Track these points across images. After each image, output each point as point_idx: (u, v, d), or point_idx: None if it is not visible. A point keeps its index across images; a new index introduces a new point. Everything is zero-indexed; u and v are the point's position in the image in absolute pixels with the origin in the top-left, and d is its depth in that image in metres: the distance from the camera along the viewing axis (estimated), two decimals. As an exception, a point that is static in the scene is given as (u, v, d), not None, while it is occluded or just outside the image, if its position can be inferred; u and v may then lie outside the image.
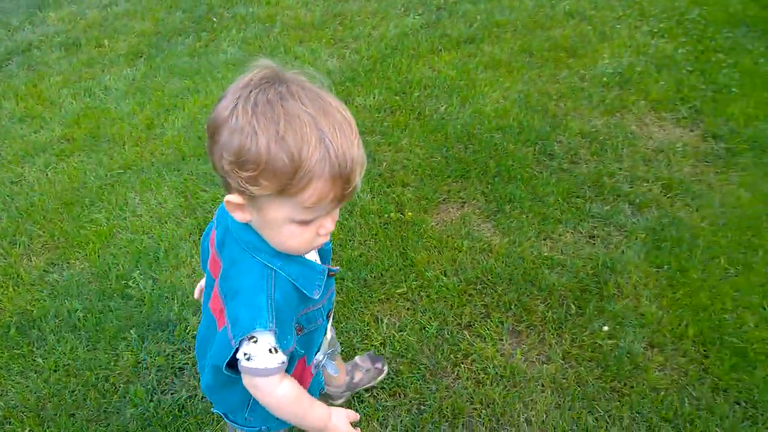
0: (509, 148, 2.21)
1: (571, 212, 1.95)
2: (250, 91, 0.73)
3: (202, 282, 1.08)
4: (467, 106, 2.46)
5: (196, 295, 1.15)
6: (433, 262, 1.80)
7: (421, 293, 1.72)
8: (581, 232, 1.89)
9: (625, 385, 1.45)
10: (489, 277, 1.74)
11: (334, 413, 0.98)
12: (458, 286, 1.71)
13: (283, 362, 0.88)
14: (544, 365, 1.51)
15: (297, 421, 0.96)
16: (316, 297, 0.90)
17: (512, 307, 1.65)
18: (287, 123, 0.71)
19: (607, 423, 1.38)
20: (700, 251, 1.76)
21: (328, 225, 0.83)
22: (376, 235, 1.90)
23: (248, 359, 0.86)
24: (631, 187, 2.02)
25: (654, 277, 1.71)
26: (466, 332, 1.61)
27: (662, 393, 1.43)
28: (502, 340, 1.59)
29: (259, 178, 0.73)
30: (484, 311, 1.66)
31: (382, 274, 1.78)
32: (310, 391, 1.02)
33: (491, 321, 1.63)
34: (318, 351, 1.07)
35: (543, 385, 1.47)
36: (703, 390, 1.43)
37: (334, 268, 0.95)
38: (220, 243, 0.94)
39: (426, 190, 2.07)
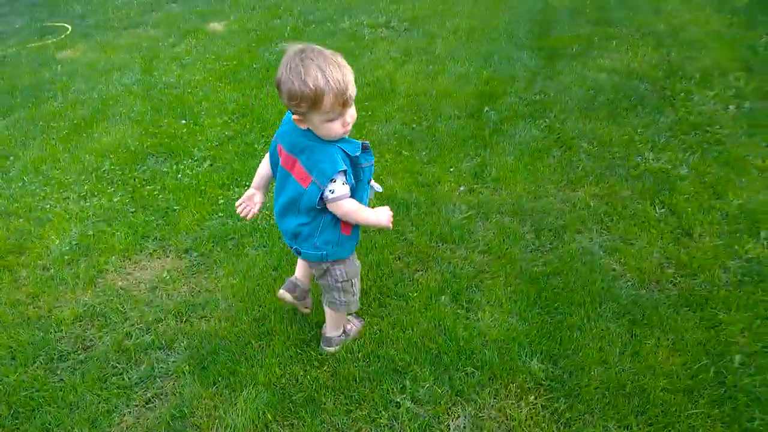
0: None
1: (115, 398, 1.84)
2: (288, 61, 1.43)
3: (246, 193, 1.80)
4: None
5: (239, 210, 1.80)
6: None
7: None
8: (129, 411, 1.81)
9: None
10: None
11: (378, 209, 1.69)
12: None
13: (348, 192, 1.60)
14: None
15: (359, 217, 1.64)
16: (358, 155, 1.57)
17: None
18: (306, 71, 1.40)
19: None
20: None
21: (347, 119, 1.52)
22: None
23: (332, 192, 1.56)
24: (152, 337, 2.06)
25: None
26: None
27: None
28: None
29: (301, 104, 1.44)
30: None
31: None
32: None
33: None
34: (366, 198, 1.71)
35: None
36: None
37: (366, 142, 1.62)
38: (290, 147, 1.62)
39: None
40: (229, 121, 3.50)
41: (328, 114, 1.45)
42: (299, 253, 1.75)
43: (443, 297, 2.10)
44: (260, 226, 2.55)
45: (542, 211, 2.57)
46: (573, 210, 2.56)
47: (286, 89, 1.42)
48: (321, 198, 1.55)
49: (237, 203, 1.80)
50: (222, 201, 2.75)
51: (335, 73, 1.40)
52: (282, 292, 1.92)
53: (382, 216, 1.66)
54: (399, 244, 2.39)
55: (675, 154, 2.88)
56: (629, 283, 2.14)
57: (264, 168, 1.78)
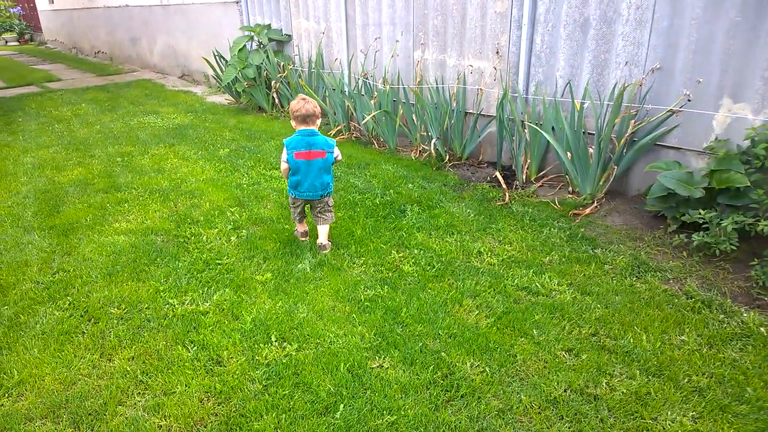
0: None
1: None
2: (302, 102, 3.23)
3: (283, 170, 3.37)
4: None
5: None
6: None
7: None
8: None
9: None
10: None
11: None
12: None
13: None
14: None
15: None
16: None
17: None
18: (295, 100, 3.24)
19: None
20: None
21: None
22: None
23: (337, 153, 3.32)
24: None
25: None
26: None
27: None
28: None
29: (320, 116, 3.36)
30: None
31: None
32: None
33: None
34: None
35: None
36: None
37: None
38: (308, 145, 3.21)
39: None
40: None
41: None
42: (322, 197, 3.39)
43: None
44: None
45: (79, 397, 2.32)
46: (111, 382, 2.40)
47: (311, 108, 3.20)
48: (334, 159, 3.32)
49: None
50: None
51: (306, 105, 3.20)
52: (302, 233, 3.63)
53: None
54: None
55: (196, 292, 3.08)
56: (176, 434, 2.11)
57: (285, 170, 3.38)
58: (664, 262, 3.28)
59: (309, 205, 3.54)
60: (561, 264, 3.28)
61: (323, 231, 3.49)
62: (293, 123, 3.27)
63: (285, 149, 3.29)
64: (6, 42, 21.77)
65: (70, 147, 6.21)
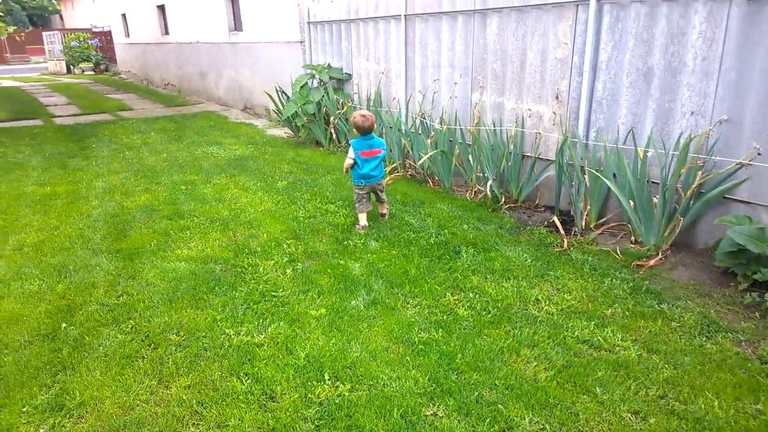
0: None
1: None
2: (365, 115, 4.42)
3: (348, 164, 4.46)
4: None
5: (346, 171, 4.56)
6: None
7: None
8: None
9: None
10: None
11: None
12: None
13: None
14: None
15: None
16: None
17: None
18: (358, 117, 4.38)
19: None
20: None
21: None
22: None
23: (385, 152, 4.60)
24: None
25: None
26: None
27: None
28: None
29: (374, 125, 4.48)
30: None
31: None
32: None
33: None
34: None
35: None
36: None
37: None
38: (369, 146, 4.38)
39: None
40: None
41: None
42: (382, 180, 4.56)
43: None
44: None
45: (136, 423, 2.34)
46: (167, 410, 2.41)
47: (371, 123, 4.35)
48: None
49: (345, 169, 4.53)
50: None
51: (368, 120, 4.35)
52: (362, 226, 4.50)
53: None
54: None
55: (251, 324, 3.09)
56: (229, 470, 2.08)
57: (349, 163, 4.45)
58: (735, 322, 3.07)
59: (373, 193, 4.61)
60: (624, 318, 3.12)
61: (385, 206, 4.73)
62: (355, 131, 4.45)
63: (351, 149, 4.40)
64: (83, 71, 23.31)
65: (138, 174, 6.49)
